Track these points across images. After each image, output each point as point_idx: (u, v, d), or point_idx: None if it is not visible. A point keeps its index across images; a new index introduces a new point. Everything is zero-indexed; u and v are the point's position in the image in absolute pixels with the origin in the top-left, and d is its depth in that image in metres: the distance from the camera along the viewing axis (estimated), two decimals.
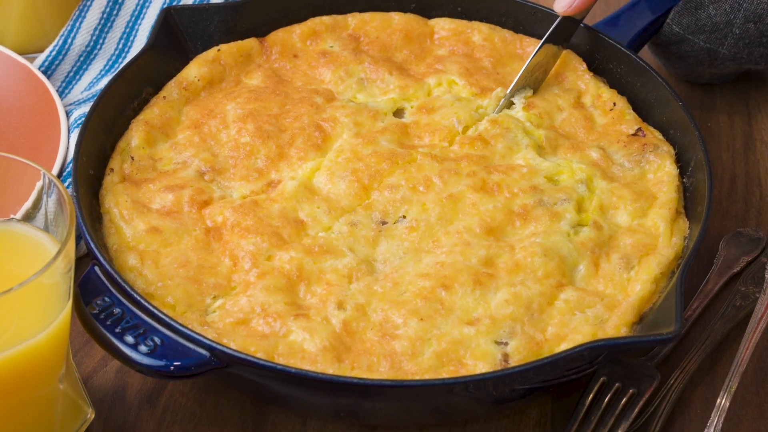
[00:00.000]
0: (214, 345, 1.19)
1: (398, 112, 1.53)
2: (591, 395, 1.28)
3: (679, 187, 1.43)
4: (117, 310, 1.22)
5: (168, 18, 1.54)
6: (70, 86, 1.68)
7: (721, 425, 1.29)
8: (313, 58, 1.57)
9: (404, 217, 1.38)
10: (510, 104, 1.53)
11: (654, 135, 1.49)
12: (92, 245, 1.28)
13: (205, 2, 1.65)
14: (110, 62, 1.71)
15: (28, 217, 1.22)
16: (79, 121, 1.55)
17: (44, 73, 1.67)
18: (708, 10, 1.63)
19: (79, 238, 1.42)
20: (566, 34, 1.55)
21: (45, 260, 1.12)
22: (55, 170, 1.49)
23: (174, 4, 1.76)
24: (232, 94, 1.51)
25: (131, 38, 1.73)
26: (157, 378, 1.23)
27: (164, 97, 1.50)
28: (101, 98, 1.43)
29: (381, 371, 1.23)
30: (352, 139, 1.46)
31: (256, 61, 1.57)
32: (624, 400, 1.28)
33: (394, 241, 1.36)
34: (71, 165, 1.39)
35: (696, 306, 1.43)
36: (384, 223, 1.38)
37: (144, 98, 1.50)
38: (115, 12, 1.73)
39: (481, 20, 1.63)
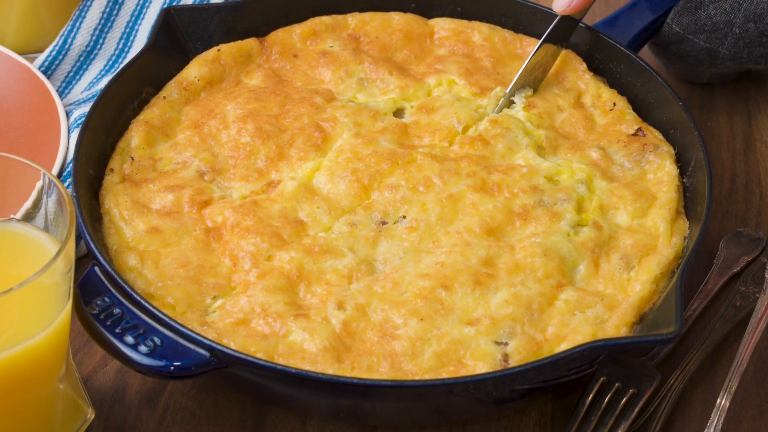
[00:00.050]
0: (214, 345, 1.19)
1: (398, 112, 1.53)
2: (591, 395, 1.28)
3: (679, 187, 1.43)
4: (117, 311, 1.22)
5: (168, 18, 1.54)
6: (70, 86, 1.68)
7: (721, 425, 1.29)
8: (313, 58, 1.57)
9: (404, 217, 1.38)
10: (510, 103, 1.53)
11: (654, 135, 1.49)
12: (92, 245, 1.28)
13: (205, 2, 1.65)
14: (110, 62, 1.71)
15: (28, 217, 1.22)
16: (79, 121, 1.55)
17: (44, 73, 1.67)
18: (708, 10, 1.63)
19: (79, 238, 1.42)
20: (565, 33, 1.55)
21: (45, 260, 1.12)
22: (55, 170, 1.49)
23: (174, 4, 1.76)
24: (232, 94, 1.51)
25: (131, 38, 1.73)
26: (157, 378, 1.23)
27: (164, 97, 1.50)
28: (101, 98, 1.43)
29: (381, 371, 1.23)
30: (352, 139, 1.46)
31: (256, 61, 1.57)
32: (624, 400, 1.28)
33: (394, 241, 1.36)
34: (71, 165, 1.39)
35: (696, 306, 1.43)
36: (384, 223, 1.38)
37: (144, 98, 1.50)
38: (115, 12, 1.73)
39: (481, 20, 1.63)
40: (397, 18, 1.62)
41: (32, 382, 1.18)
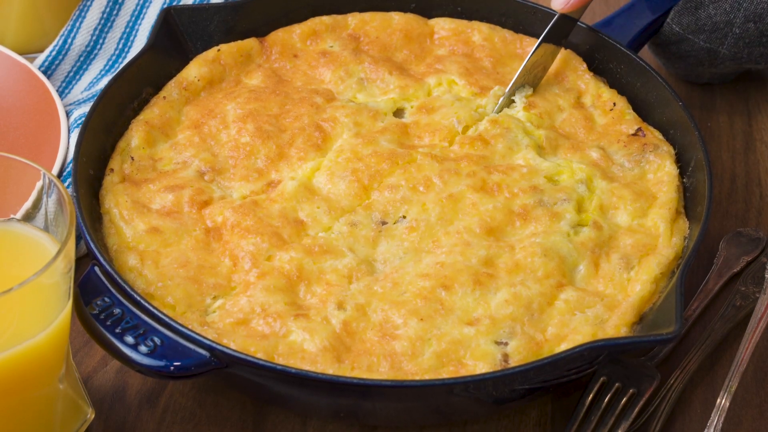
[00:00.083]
0: (214, 345, 1.19)
1: (398, 112, 1.53)
2: (591, 395, 1.28)
3: (679, 187, 1.43)
4: (117, 311, 1.22)
5: (168, 18, 1.54)
6: (70, 86, 1.68)
7: (721, 425, 1.29)
8: (313, 58, 1.57)
9: (404, 217, 1.38)
10: (510, 102, 1.53)
11: (654, 135, 1.49)
12: (92, 245, 1.28)
13: (205, 2, 1.65)
14: (110, 62, 1.71)
15: (28, 217, 1.22)
16: (79, 121, 1.55)
17: (44, 73, 1.67)
18: (708, 10, 1.63)
19: (79, 238, 1.42)
20: (563, 32, 1.55)
21: (45, 260, 1.12)
22: (55, 170, 1.49)
23: (174, 4, 1.76)
24: (232, 94, 1.51)
25: (131, 38, 1.73)
26: (157, 378, 1.23)
27: (164, 97, 1.50)
28: (101, 98, 1.43)
29: (381, 371, 1.23)
30: (352, 139, 1.46)
31: (256, 61, 1.57)
32: (624, 400, 1.28)
33: (394, 241, 1.36)
34: (71, 165, 1.39)
35: (696, 306, 1.43)
36: (384, 223, 1.38)
37: (144, 98, 1.50)
38: (115, 12, 1.73)
39: (481, 20, 1.63)
40: (397, 18, 1.62)
41: (32, 382, 1.18)
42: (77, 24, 1.70)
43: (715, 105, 1.73)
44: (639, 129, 1.50)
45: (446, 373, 1.23)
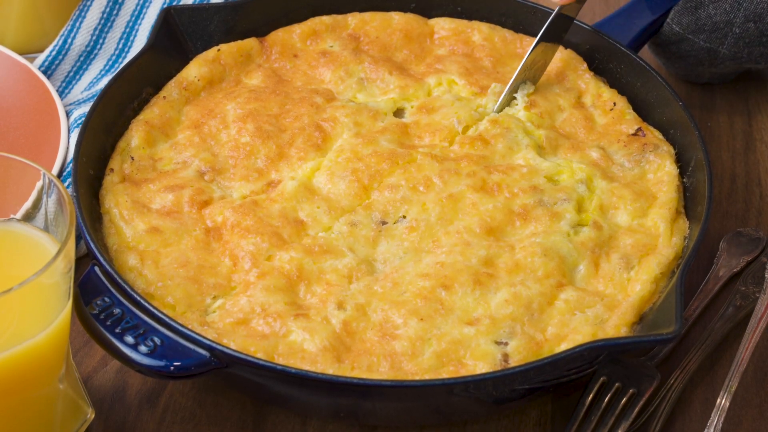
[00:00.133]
0: (214, 345, 1.19)
1: (398, 112, 1.53)
2: (591, 395, 1.28)
3: (679, 187, 1.43)
4: (117, 311, 1.22)
5: (168, 18, 1.54)
6: (70, 86, 1.68)
7: (721, 425, 1.29)
8: (313, 58, 1.57)
9: (404, 217, 1.38)
10: (512, 100, 1.53)
11: (654, 135, 1.49)
12: (92, 245, 1.28)
13: (205, 2, 1.65)
14: (110, 62, 1.71)
15: (28, 217, 1.22)
16: (79, 121, 1.55)
17: (44, 73, 1.67)
18: (708, 10, 1.63)
19: (79, 238, 1.42)
20: (561, 30, 1.54)
21: (45, 260, 1.12)
22: (55, 170, 1.49)
23: (174, 4, 1.76)
24: (232, 94, 1.51)
25: (131, 38, 1.73)
26: (157, 378, 1.23)
27: (164, 97, 1.50)
28: (101, 98, 1.43)
29: (381, 371, 1.23)
30: (352, 139, 1.46)
31: (256, 61, 1.57)
32: (624, 400, 1.28)
33: (394, 241, 1.36)
34: (71, 165, 1.39)
35: (696, 306, 1.43)
36: (384, 223, 1.38)
37: (144, 98, 1.50)
38: (115, 12, 1.73)
39: (481, 20, 1.63)
40: (397, 18, 1.62)
41: (32, 382, 1.18)
42: (77, 24, 1.70)
43: (715, 105, 1.73)
44: (639, 129, 1.50)
45: (446, 373, 1.23)
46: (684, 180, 1.45)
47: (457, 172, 1.42)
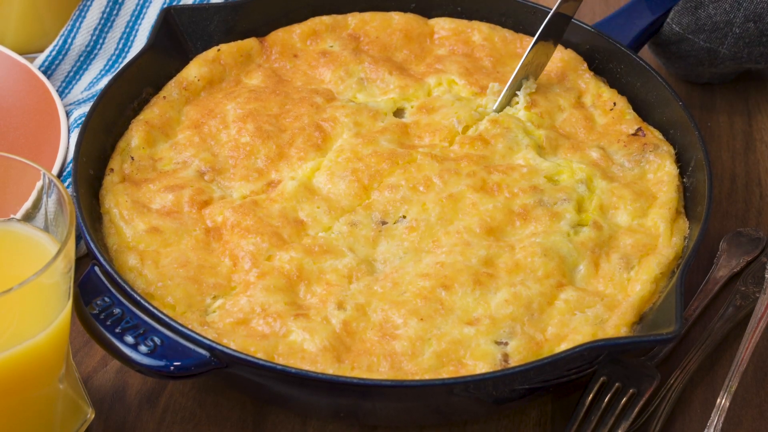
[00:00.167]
0: (214, 345, 1.19)
1: (398, 112, 1.53)
2: (591, 395, 1.28)
3: (679, 187, 1.43)
4: (117, 310, 1.22)
5: (168, 18, 1.54)
6: (70, 86, 1.68)
7: (721, 425, 1.29)
8: (313, 58, 1.57)
9: (404, 217, 1.38)
10: (512, 98, 1.53)
11: (654, 135, 1.49)
12: (92, 245, 1.28)
13: (205, 2, 1.65)
14: (110, 62, 1.71)
15: (28, 217, 1.22)
16: (79, 121, 1.55)
17: (44, 73, 1.67)
18: (708, 10, 1.63)
19: (79, 238, 1.42)
20: (559, 29, 1.54)
21: (45, 260, 1.12)
22: (55, 170, 1.49)
23: (174, 4, 1.76)
24: (232, 94, 1.51)
25: (131, 38, 1.73)
26: (157, 378, 1.23)
27: (164, 97, 1.50)
28: (101, 98, 1.43)
29: (381, 371, 1.23)
30: (352, 139, 1.46)
31: (256, 61, 1.57)
32: (624, 400, 1.28)
33: (394, 241, 1.36)
34: (71, 165, 1.39)
35: (696, 306, 1.43)
36: (384, 223, 1.38)
37: (144, 98, 1.50)
38: (115, 12, 1.73)
39: (481, 20, 1.63)
40: (397, 18, 1.62)
41: (32, 382, 1.18)
42: (77, 24, 1.70)
43: (715, 105, 1.73)
44: (639, 129, 1.50)
45: (446, 373, 1.23)
46: (684, 180, 1.45)
47: (457, 172, 1.42)
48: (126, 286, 1.24)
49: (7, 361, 1.13)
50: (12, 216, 1.22)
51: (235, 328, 1.26)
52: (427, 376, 1.22)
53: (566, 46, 1.59)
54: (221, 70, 1.54)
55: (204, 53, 1.55)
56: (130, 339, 1.20)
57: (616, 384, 1.29)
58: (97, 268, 1.25)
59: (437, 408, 1.26)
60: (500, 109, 1.52)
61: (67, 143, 1.53)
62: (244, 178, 1.42)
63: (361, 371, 1.23)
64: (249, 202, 1.39)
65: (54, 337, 1.16)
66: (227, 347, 1.19)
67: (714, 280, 1.46)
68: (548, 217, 1.38)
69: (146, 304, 1.22)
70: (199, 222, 1.37)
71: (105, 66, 1.71)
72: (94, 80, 1.68)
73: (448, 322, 1.28)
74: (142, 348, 1.19)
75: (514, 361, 1.24)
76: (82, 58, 1.70)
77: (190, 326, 1.23)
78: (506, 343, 1.26)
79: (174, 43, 1.54)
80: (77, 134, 1.43)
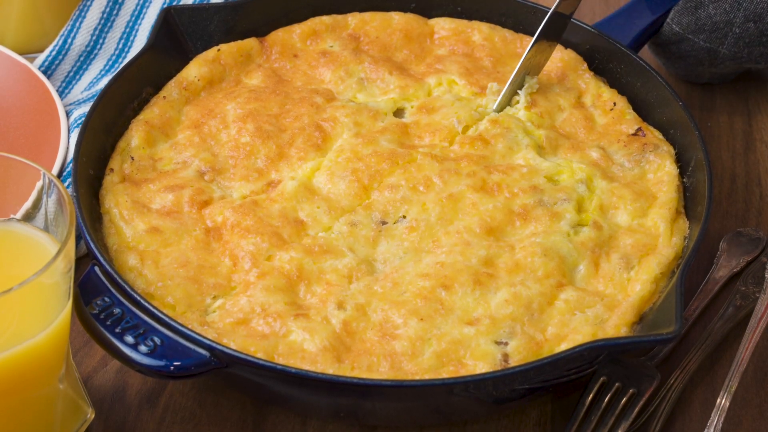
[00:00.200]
0: (214, 345, 1.19)
1: (398, 112, 1.53)
2: (591, 395, 1.28)
3: (679, 187, 1.43)
4: (117, 310, 1.22)
5: (168, 18, 1.54)
6: (70, 86, 1.68)
7: (721, 425, 1.29)
8: (313, 58, 1.57)
9: (404, 217, 1.38)
10: (513, 97, 1.53)
11: (654, 135, 1.49)
12: (92, 245, 1.28)
13: (205, 2, 1.65)
14: (110, 62, 1.71)
15: (28, 217, 1.22)
16: (79, 121, 1.55)
17: (44, 73, 1.67)
18: (708, 10, 1.63)
19: (79, 238, 1.42)
20: (558, 29, 1.54)
21: (45, 260, 1.12)
22: (55, 170, 1.49)
23: (174, 4, 1.76)
24: (232, 94, 1.51)
25: (131, 38, 1.73)
26: (157, 378, 1.23)
27: (164, 97, 1.50)
28: (101, 98, 1.43)
29: (381, 371, 1.23)
30: (352, 139, 1.46)
31: (256, 61, 1.57)
32: (624, 400, 1.28)
33: (394, 241, 1.36)
34: (71, 165, 1.39)
35: (696, 306, 1.43)
36: (384, 223, 1.38)
37: (144, 98, 1.50)
38: (115, 12, 1.73)
39: (481, 20, 1.63)
40: (397, 18, 1.62)
41: (32, 382, 1.18)
42: (77, 24, 1.70)
43: (715, 105, 1.73)
44: (639, 129, 1.50)
45: (446, 373, 1.23)
46: (684, 180, 1.45)
47: (457, 172, 1.42)
48: (126, 286, 1.24)
49: (7, 361, 1.13)
50: (12, 216, 1.22)
51: (235, 328, 1.26)
52: (427, 376, 1.22)
53: (566, 46, 1.59)
54: (221, 70, 1.54)
55: (204, 53, 1.55)
56: (130, 339, 1.20)
57: (616, 384, 1.29)
58: (97, 268, 1.25)
59: (437, 408, 1.26)
60: (500, 109, 1.52)
61: (67, 143, 1.53)
62: (244, 178, 1.42)
63: (361, 371, 1.23)
64: (249, 202, 1.39)
65: (54, 337, 1.16)
66: (227, 347, 1.19)
67: (714, 280, 1.46)
68: (548, 217, 1.38)
69: (146, 304, 1.22)
70: (199, 222, 1.37)
71: (105, 66, 1.71)
72: (94, 80, 1.68)
73: (448, 322, 1.28)
74: (142, 348, 1.19)
75: (514, 361, 1.24)
76: (82, 58, 1.70)
77: (190, 326, 1.23)
78: (506, 343, 1.26)
79: (174, 43, 1.54)
80: (77, 134, 1.43)
